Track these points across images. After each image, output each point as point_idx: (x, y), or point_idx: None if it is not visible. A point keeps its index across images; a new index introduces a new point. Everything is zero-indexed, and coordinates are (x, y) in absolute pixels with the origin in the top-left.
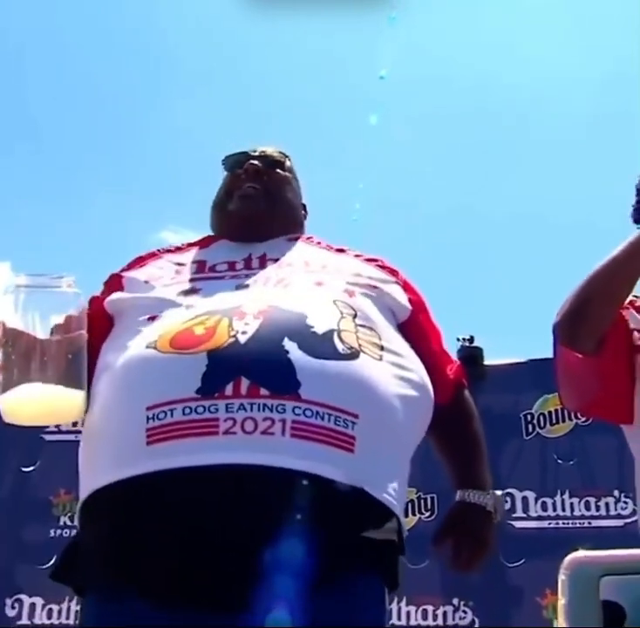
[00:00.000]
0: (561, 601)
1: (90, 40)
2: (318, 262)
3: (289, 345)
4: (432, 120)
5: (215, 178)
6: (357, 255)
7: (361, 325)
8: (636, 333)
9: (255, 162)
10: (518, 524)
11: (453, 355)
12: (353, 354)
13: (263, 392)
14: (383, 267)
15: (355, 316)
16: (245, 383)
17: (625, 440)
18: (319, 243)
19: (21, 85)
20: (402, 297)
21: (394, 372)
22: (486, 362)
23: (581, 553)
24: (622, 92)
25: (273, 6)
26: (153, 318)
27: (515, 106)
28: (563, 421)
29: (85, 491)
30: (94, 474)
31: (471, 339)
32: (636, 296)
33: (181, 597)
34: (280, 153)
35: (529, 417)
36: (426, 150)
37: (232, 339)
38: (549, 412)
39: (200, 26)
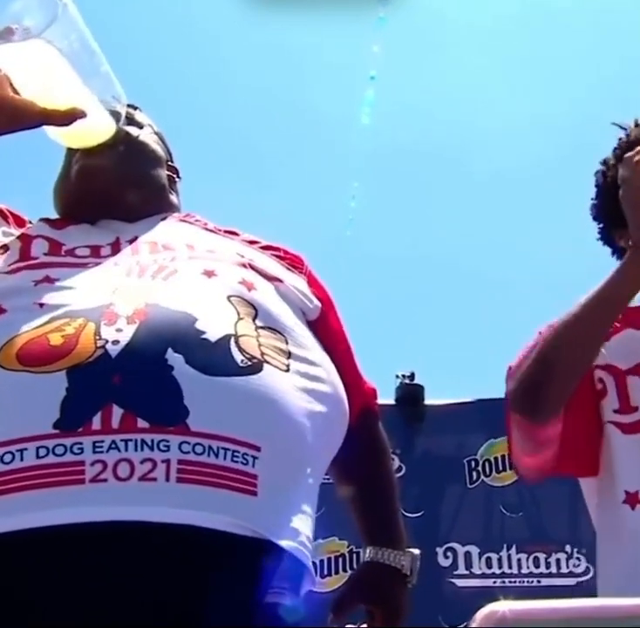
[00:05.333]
0: None
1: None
2: (204, 245)
3: (174, 359)
4: (389, 160)
5: None
6: (252, 242)
7: (263, 327)
8: (597, 373)
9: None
10: (460, 582)
11: (391, 394)
12: (255, 366)
13: (141, 423)
14: (284, 257)
15: (256, 315)
16: (117, 412)
17: (577, 490)
18: (204, 224)
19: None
20: (309, 293)
21: (303, 384)
22: (427, 401)
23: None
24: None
25: (263, 7)
26: None
27: (458, 146)
28: (511, 469)
29: None
30: None
31: (411, 376)
32: None
33: None
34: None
35: (473, 463)
36: (383, 188)
37: (100, 352)
38: (496, 459)
39: (187, 28)
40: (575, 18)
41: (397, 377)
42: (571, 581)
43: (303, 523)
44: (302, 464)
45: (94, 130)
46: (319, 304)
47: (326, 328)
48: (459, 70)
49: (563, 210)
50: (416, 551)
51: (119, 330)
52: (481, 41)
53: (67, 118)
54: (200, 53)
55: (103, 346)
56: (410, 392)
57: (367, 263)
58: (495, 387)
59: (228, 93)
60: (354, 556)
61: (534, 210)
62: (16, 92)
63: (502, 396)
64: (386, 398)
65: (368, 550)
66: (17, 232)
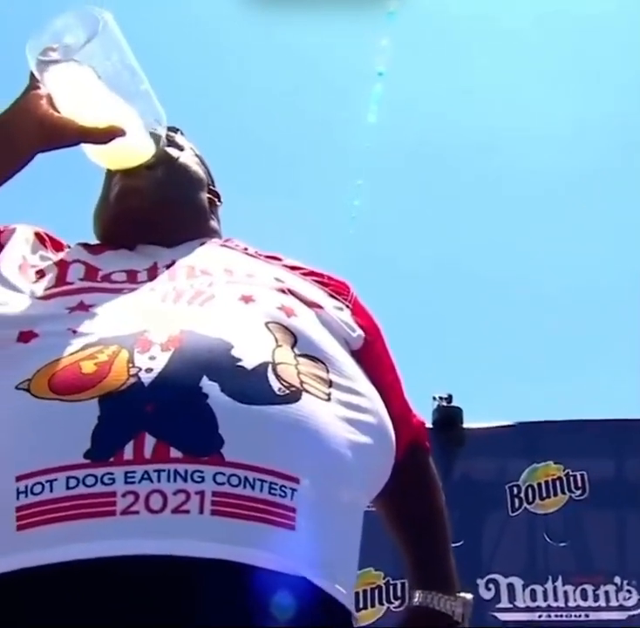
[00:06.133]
0: None
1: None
2: (243, 270)
3: (209, 387)
4: (416, 172)
5: None
6: (294, 267)
7: (303, 355)
8: None
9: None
10: (503, 616)
11: (429, 417)
12: (293, 395)
13: (174, 453)
14: (328, 283)
15: (295, 342)
16: (150, 441)
17: (626, 517)
18: (244, 249)
19: None
20: (352, 321)
21: (345, 414)
22: (466, 425)
23: None
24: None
25: (268, 7)
26: (26, 338)
27: (491, 158)
28: (555, 495)
29: None
30: None
31: (448, 398)
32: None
33: None
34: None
35: (515, 489)
36: (410, 203)
37: (133, 380)
38: (539, 485)
39: (188, 28)
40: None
41: (434, 399)
42: (622, 615)
43: (345, 560)
44: (343, 497)
45: (134, 151)
46: (362, 333)
47: (371, 358)
48: (471, 68)
49: (609, 217)
50: (468, 596)
51: (152, 357)
52: (495, 40)
53: (106, 135)
54: (201, 53)
55: (136, 374)
56: (448, 415)
57: (397, 278)
58: (537, 410)
59: (229, 92)
60: (391, 588)
61: (571, 217)
62: (56, 110)
63: (544, 419)
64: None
65: (416, 594)
66: (54, 256)
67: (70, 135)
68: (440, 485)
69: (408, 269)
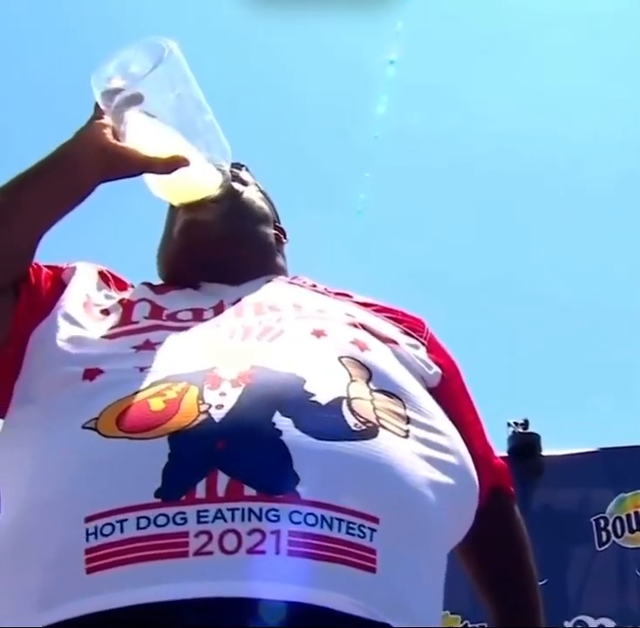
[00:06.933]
0: None
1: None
2: (313, 305)
3: (282, 423)
4: (464, 181)
5: None
6: (366, 304)
7: (378, 391)
8: None
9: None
10: None
11: (503, 445)
12: (369, 431)
13: (248, 491)
14: (402, 319)
15: (370, 377)
16: (222, 479)
17: None
18: (313, 285)
19: None
20: (427, 358)
21: (424, 452)
22: (545, 452)
23: None
24: None
25: (275, 7)
26: (91, 375)
27: (550, 166)
28: None
29: None
30: (8, 617)
31: (525, 424)
32: None
33: None
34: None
35: (602, 521)
36: (459, 213)
37: (203, 416)
38: (628, 516)
39: (201, 27)
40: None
41: (508, 425)
42: None
43: (429, 606)
44: (425, 538)
45: (198, 183)
46: (439, 371)
47: (449, 396)
48: (487, 60)
49: None
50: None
51: (223, 393)
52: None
53: (169, 165)
54: (203, 52)
55: (206, 411)
56: (524, 442)
57: (460, 294)
58: (622, 434)
59: (233, 88)
60: None
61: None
62: (119, 140)
63: (631, 444)
64: (497, 449)
65: None
66: (118, 295)
67: (133, 164)
68: (527, 535)
69: (472, 285)
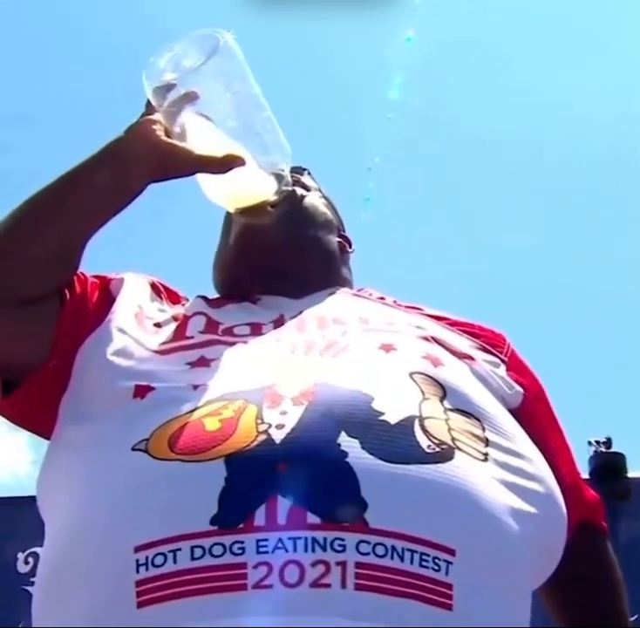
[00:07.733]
0: None
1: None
2: (381, 317)
3: (348, 444)
4: (516, 178)
5: None
6: (439, 318)
7: (453, 410)
8: None
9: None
10: None
11: (584, 465)
12: (444, 453)
13: (311, 518)
14: (480, 334)
15: (444, 395)
16: (283, 505)
17: None
18: (381, 298)
19: None
20: (507, 376)
21: (506, 477)
22: (631, 473)
23: None
24: None
25: (276, 6)
26: (142, 393)
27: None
28: None
29: None
30: None
31: (608, 443)
32: None
33: None
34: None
35: None
36: (519, 212)
37: (262, 437)
38: None
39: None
40: None
41: (590, 444)
42: None
43: None
44: (507, 572)
45: (255, 188)
46: (521, 390)
47: (533, 419)
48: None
49: None
50: None
51: (283, 412)
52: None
53: (224, 165)
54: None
55: (265, 431)
56: (608, 463)
57: (526, 297)
58: None
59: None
60: None
61: None
62: (171, 138)
63: None
64: None
65: None
66: (171, 309)
67: (186, 163)
68: (621, 576)
69: (521, 290)
